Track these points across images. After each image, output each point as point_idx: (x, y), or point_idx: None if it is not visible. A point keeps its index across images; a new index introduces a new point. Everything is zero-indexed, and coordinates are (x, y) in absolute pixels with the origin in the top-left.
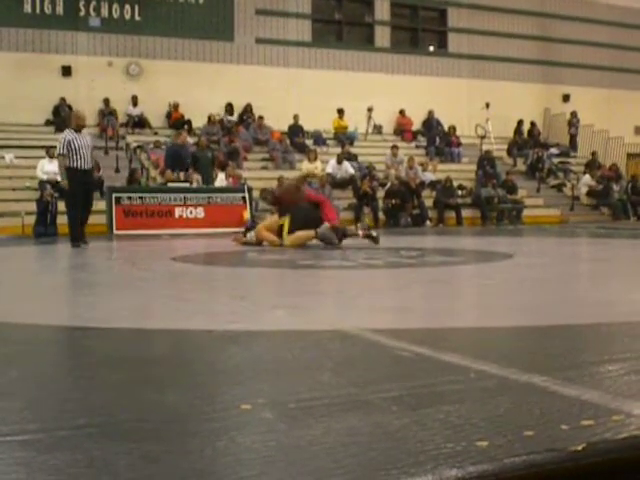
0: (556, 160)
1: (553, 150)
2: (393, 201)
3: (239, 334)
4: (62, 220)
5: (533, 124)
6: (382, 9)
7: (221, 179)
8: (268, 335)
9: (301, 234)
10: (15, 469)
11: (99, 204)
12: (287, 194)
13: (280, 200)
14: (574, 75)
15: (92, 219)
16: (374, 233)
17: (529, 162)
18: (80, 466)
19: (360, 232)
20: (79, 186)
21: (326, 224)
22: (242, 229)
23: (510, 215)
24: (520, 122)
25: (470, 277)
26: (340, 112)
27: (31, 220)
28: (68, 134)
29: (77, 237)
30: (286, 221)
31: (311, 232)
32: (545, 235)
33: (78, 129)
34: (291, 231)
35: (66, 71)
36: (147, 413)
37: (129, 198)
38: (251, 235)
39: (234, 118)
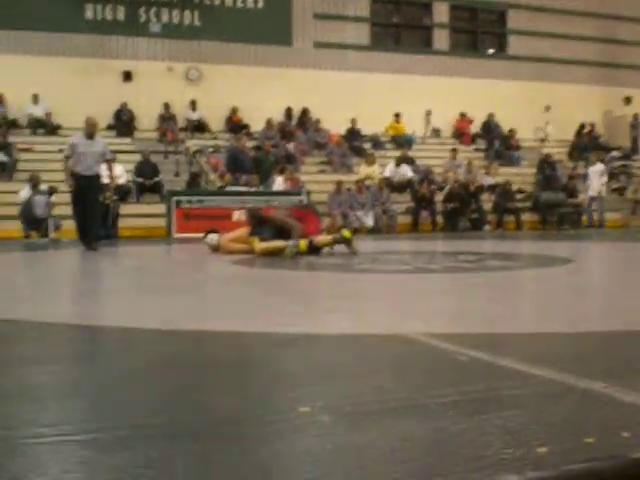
0: (618, 163)
1: (614, 153)
2: (451, 205)
3: (297, 337)
4: (123, 223)
5: (592, 126)
6: (441, 12)
7: (279, 183)
8: (326, 339)
9: (273, 243)
10: (76, 468)
11: (158, 207)
12: (279, 222)
13: (265, 221)
14: (636, 77)
15: (152, 222)
16: (345, 233)
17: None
18: (139, 466)
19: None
20: (78, 190)
21: (294, 242)
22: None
23: (570, 219)
24: (582, 125)
25: (529, 282)
26: (397, 116)
27: None
28: (75, 138)
29: (86, 240)
30: (255, 240)
31: (283, 243)
32: (606, 240)
33: (89, 136)
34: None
35: (127, 76)
36: (205, 414)
37: (189, 201)
38: (212, 238)
39: (289, 121)
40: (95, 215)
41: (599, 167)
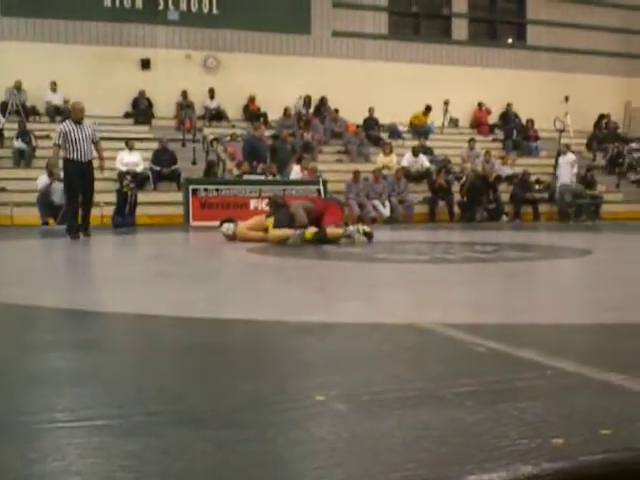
0: (637, 155)
1: (634, 145)
2: (465, 198)
3: (314, 326)
4: (140, 211)
5: (609, 117)
6: (459, 1)
7: (296, 172)
8: (342, 327)
9: (285, 231)
10: (92, 453)
11: (176, 196)
12: (302, 211)
13: (282, 206)
14: None
15: (169, 210)
16: (367, 229)
17: (609, 157)
18: (156, 452)
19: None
20: (76, 177)
21: (300, 231)
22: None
23: (588, 211)
24: (601, 116)
25: (547, 273)
26: (428, 109)
27: (109, 211)
28: (65, 125)
29: (74, 228)
30: (271, 221)
31: (291, 232)
32: (624, 231)
33: (77, 121)
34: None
35: (145, 64)
36: (222, 401)
37: (205, 190)
38: (227, 227)
39: (306, 110)
40: (92, 201)
41: (570, 157)
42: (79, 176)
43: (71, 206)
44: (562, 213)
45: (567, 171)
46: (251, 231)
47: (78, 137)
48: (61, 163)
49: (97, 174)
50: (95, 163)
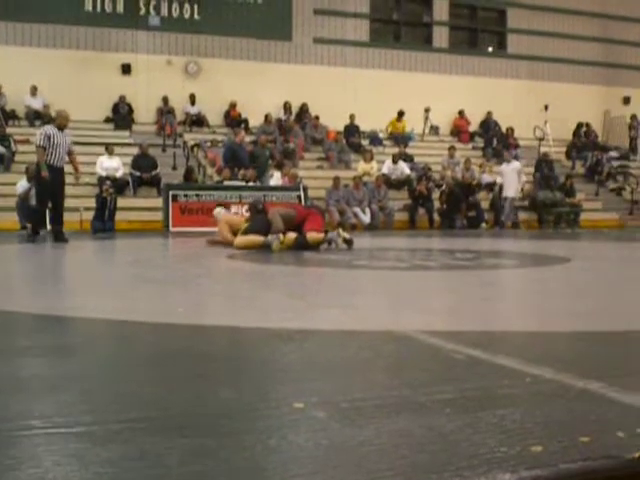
0: (615, 163)
1: (612, 153)
2: (444, 206)
3: (293, 332)
4: (120, 216)
5: (588, 126)
6: (441, 9)
7: (277, 178)
8: (322, 334)
9: (251, 238)
10: (69, 461)
11: (156, 201)
12: (278, 217)
13: (261, 212)
14: (635, 77)
15: (149, 215)
16: (347, 236)
17: (588, 165)
18: (132, 459)
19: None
20: (50, 181)
21: (273, 236)
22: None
23: (568, 219)
24: (580, 125)
25: (526, 280)
26: (400, 115)
27: (89, 216)
28: (50, 129)
29: (38, 231)
30: (244, 225)
31: (260, 238)
32: (603, 239)
33: (60, 128)
34: (245, 233)
35: (126, 69)
36: (200, 408)
37: (185, 196)
38: (218, 212)
39: (287, 117)
40: (63, 206)
41: (515, 165)
42: (52, 180)
43: (42, 209)
44: (499, 223)
45: (513, 180)
46: (226, 228)
47: (59, 142)
48: (34, 167)
49: (73, 181)
50: (68, 169)
